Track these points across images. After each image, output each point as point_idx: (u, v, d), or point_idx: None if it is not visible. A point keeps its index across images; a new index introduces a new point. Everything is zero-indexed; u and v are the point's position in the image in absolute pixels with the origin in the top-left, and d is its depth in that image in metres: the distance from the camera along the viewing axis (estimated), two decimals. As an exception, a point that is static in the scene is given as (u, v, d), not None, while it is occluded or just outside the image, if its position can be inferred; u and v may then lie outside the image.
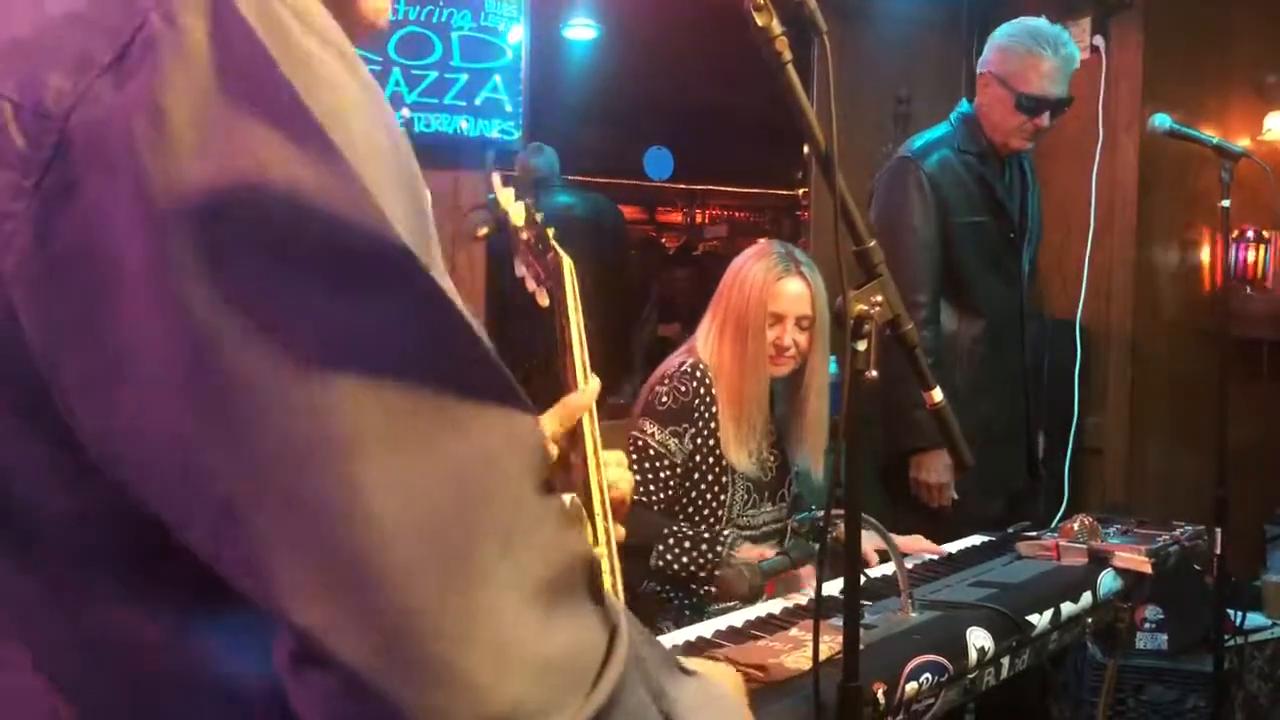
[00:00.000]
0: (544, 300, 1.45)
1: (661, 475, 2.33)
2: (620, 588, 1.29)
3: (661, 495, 2.34)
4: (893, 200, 2.97)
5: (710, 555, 2.22)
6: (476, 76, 3.81)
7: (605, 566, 1.26)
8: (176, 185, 0.47)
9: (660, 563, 2.25)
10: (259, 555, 0.48)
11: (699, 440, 2.36)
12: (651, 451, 2.34)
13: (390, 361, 0.49)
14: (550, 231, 1.47)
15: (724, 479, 2.38)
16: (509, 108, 3.88)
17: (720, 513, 2.38)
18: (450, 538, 0.49)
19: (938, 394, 1.42)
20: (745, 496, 2.41)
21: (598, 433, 1.34)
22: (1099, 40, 4.13)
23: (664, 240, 8.79)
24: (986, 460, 2.82)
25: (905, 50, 4.42)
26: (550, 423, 1.30)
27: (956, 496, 2.92)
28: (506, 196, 1.51)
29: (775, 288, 2.37)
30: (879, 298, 1.35)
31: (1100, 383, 4.14)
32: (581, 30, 5.42)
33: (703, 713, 0.59)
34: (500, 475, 0.51)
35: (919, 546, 2.42)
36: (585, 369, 1.37)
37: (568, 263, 1.43)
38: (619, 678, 0.52)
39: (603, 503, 1.28)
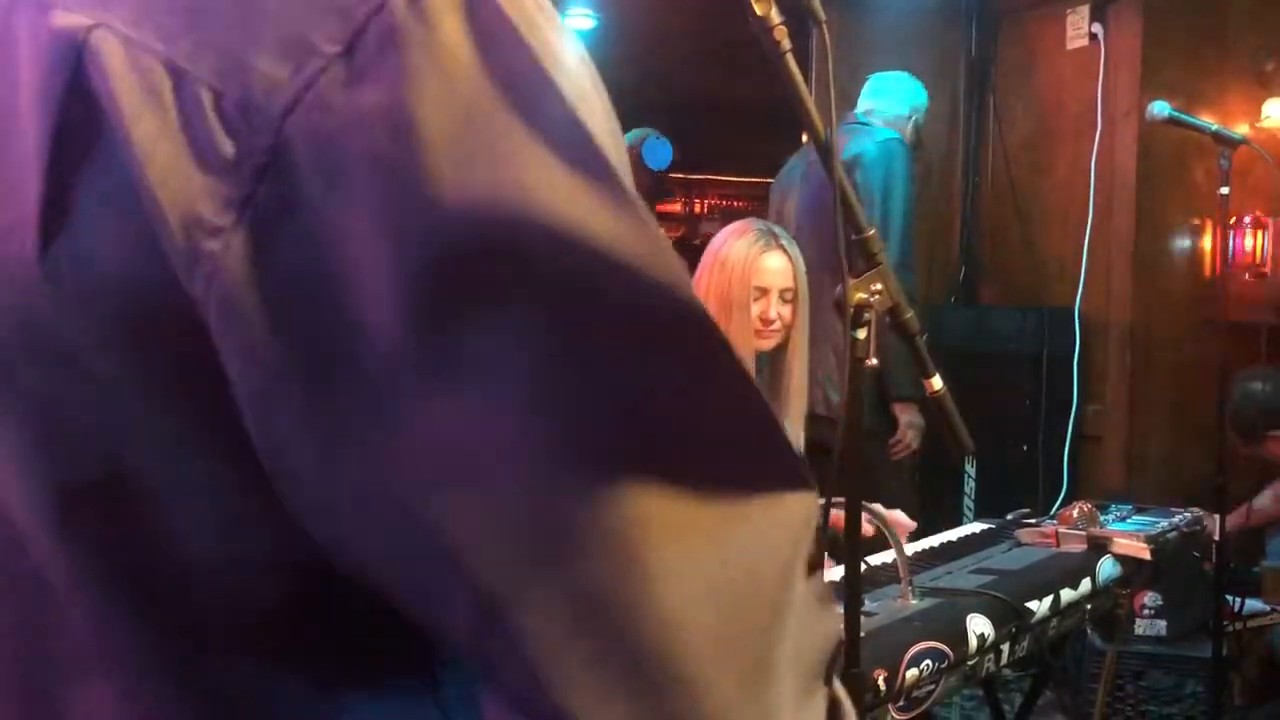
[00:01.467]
0: None
1: None
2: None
3: None
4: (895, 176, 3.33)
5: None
6: (475, 67, 3.82)
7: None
8: (439, 217, 0.39)
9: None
10: (536, 650, 0.41)
11: None
12: None
13: (682, 441, 0.42)
14: None
15: None
16: (507, 98, 3.89)
17: None
18: (744, 632, 0.43)
19: (937, 381, 1.42)
20: None
21: None
22: (1097, 28, 4.13)
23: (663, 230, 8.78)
24: None
25: (903, 40, 4.42)
26: None
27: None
28: None
29: (758, 262, 2.38)
30: (878, 286, 1.36)
31: (1099, 370, 4.15)
32: (579, 20, 5.41)
33: None
34: (784, 562, 0.45)
35: (900, 521, 2.42)
36: None
37: None
38: None
39: None
